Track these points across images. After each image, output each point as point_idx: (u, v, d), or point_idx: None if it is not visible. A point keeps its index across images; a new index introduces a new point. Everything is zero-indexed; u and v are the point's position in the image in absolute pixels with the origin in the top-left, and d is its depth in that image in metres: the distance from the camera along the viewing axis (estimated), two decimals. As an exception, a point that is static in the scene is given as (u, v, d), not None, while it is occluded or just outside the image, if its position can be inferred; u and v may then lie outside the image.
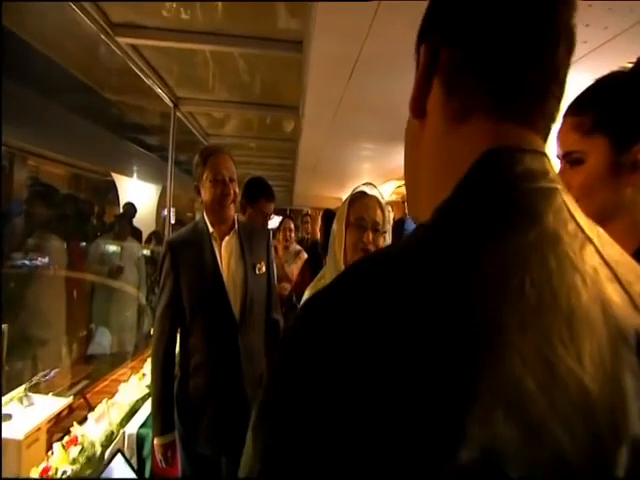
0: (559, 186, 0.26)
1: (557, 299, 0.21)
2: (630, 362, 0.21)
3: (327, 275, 1.06)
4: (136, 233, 3.82)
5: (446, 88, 0.29)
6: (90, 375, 2.71)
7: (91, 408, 1.79)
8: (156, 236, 4.12)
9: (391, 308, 0.20)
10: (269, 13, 1.56)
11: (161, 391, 1.22)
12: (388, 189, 4.94)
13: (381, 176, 4.64)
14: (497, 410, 0.18)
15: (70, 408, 1.78)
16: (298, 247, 2.76)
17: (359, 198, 1.01)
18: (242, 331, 1.26)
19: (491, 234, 0.23)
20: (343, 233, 0.98)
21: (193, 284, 1.22)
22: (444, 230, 0.24)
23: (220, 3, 1.52)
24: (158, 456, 1.20)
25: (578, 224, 0.25)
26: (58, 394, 1.96)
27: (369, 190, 1.04)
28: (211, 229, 1.28)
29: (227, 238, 1.31)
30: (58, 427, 1.67)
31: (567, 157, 0.57)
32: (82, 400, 1.93)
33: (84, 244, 3.44)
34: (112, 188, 4.37)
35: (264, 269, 1.37)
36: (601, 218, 0.31)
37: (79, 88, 2.27)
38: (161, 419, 1.21)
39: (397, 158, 3.47)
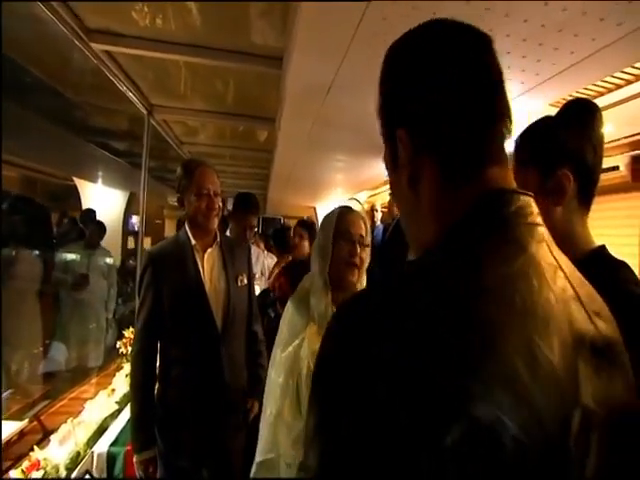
0: (539, 220, 0.34)
1: (537, 308, 0.29)
2: (584, 355, 0.30)
3: (308, 283, 1.06)
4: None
5: (437, 163, 0.37)
6: (47, 395, 2.50)
7: (46, 430, 1.68)
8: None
9: (417, 310, 0.28)
10: (249, 28, 1.60)
11: (141, 406, 1.19)
12: (360, 199, 5.09)
13: (353, 187, 4.77)
14: (496, 384, 0.25)
15: (21, 433, 1.66)
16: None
17: (346, 213, 1.05)
18: (224, 341, 1.26)
19: (489, 258, 0.31)
20: (330, 245, 1.01)
21: (175, 295, 1.21)
22: (457, 253, 0.32)
23: (200, 16, 1.54)
24: (139, 473, 1.16)
25: (552, 254, 0.34)
26: (9, 417, 1.82)
27: (354, 206, 1.09)
28: (193, 241, 1.28)
29: (209, 250, 1.31)
30: (8, 453, 1.55)
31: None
32: (36, 423, 1.80)
33: (37, 252, 3.18)
34: (74, 193, 4.11)
35: (245, 281, 1.39)
36: None
37: (43, 89, 2.16)
38: (142, 435, 1.18)
39: (369, 170, 3.60)
